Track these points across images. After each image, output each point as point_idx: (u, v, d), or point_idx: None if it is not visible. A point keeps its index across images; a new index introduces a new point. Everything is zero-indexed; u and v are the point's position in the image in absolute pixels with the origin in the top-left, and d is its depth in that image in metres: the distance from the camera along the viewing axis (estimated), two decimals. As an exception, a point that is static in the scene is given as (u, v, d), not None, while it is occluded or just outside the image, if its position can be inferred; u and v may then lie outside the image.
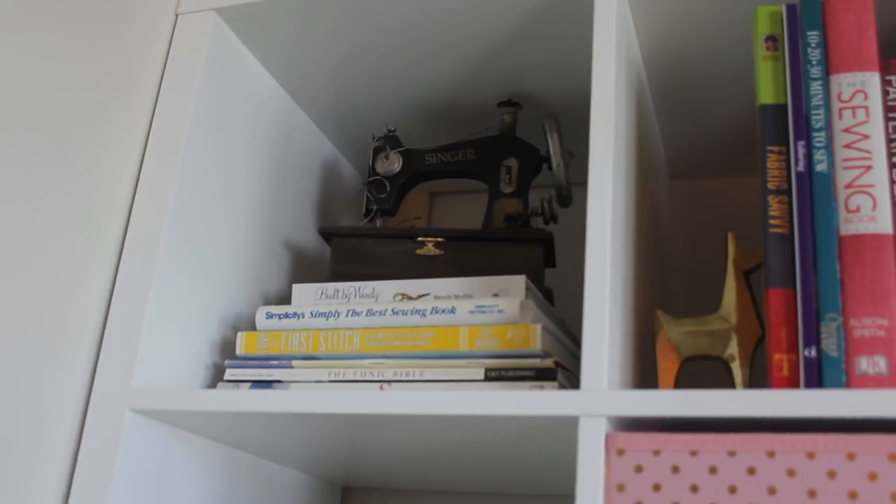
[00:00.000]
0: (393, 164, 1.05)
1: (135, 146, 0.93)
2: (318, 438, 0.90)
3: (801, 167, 0.73)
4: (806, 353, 0.68)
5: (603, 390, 0.70)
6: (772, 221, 0.73)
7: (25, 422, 0.79)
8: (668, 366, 0.82)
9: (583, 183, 1.23)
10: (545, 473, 0.98)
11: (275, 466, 1.07)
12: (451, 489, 1.17)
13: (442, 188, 1.32)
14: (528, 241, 0.95)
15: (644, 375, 0.89)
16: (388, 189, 1.05)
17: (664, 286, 1.08)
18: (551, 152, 0.98)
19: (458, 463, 0.97)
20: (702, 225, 1.21)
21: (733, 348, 0.81)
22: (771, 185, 0.74)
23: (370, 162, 1.06)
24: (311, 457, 1.02)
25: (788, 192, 0.73)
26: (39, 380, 0.81)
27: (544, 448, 0.84)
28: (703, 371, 1.01)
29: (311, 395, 0.77)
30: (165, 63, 0.97)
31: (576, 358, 0.92)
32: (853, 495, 0.62)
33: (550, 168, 0.99)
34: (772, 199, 0.74)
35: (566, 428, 0.74)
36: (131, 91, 0.93)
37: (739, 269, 0.84)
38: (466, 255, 0.96)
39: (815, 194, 0.72)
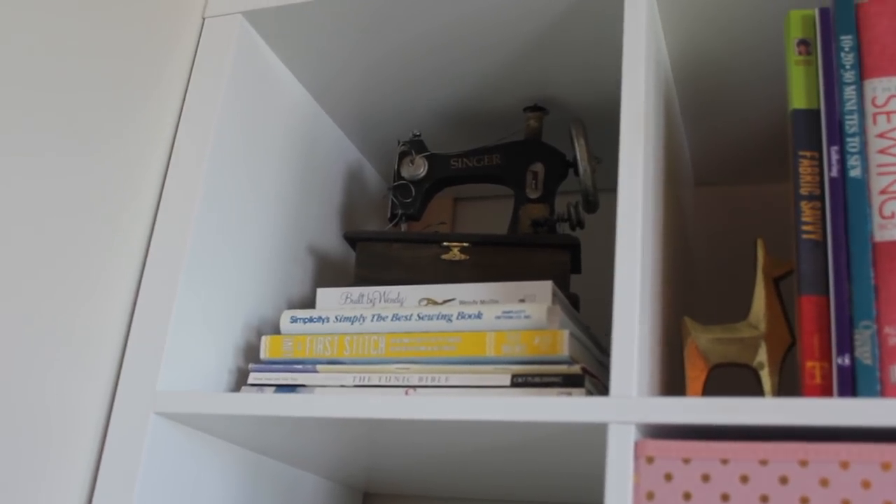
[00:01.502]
0: (418, 168, 1.04)
1: (161, 149, 0.93)
2: (341, 444, 0.90)
3: (834, 172, 0.72)
4: (839, 360, 0.67)
5: (633, 397, 0.69)
6: (804, 228, 0.72)
7: (50, 424, 0.79)
8: (696, 373, 0.81)
9: (610, 189, 1.22)
10: (571, 481, 0.97)
11: (297, 471, 1.06)
12: (475, 496, 1.16)
13: (466, 193, 1.31)
14: (554, 247, 0.94)
15: (671, 383, 0.88)
16: (414, 194, 1.04)
17: (691, 294, 1.07)
18: (578, 158, 0.97)
19: (483, 470, 0.96)
20: (728, 232, 1.20)
21: (762, 356, 0.80)
22: (803, 191, 0.73)
23: (395, 166, 1.06)
24: (333, 462, 1.01)
25: (821, 198, 0.72)
26: (64, 383, 0.80)
27: (571, 455, 0.83)
28: (731, 379, 0.99)
29: (336, 400, 0.77)
30: (192, 66, 0.97)
31: (601, 364, 0.91)
32: (888, 506, 0.61)
33: (577, 174, 0.98)
34: (804, 205, 0.73)
35: (594, 435, 0.74)
36: (158, 94, 0.93)
37: (769, 276, 0.82)
38: (492, 261, 0.95)
39: (848, 200, 0.71)
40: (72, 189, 0.82)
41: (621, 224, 0.75)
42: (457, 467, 0.96)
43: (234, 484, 0.94)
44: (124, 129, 0.88)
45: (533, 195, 1.00)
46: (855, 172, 0.71)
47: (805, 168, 0.73)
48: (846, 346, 0.68)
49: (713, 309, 1.16)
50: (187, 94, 0.95)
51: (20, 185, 0.76)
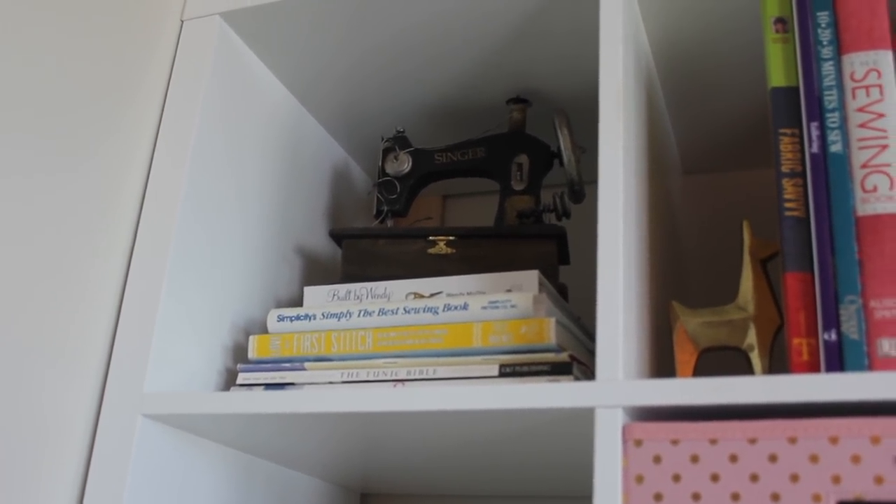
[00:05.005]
0: (403, 164, 1.04)
1: (143, 153, 0.92)
2: (333, 441, 0.89)
3: (815, 149, 0.71)
4: (826, 336, 0.67)
5: (619, 380, 0.68)
6: (787, 205, 0.71)
7: (37, 428, 0.78)
8: (685, 357, 0.81)
9: (595, 181, 1.22)
10: (564, 472, 0.96)
11: (291, 473, 1.05)
12: (470, 493, 1.15)
13: (454, 190, 1.31)
14: (540, 238, 0.94)
15: (662, 370, 0.88)
16: (399, 189, 1.04)
17: (680, 281, 1.06)
18: (562, 147, 0.97)
19: (476, 464, 0.95)
20: (717, 219, 1.19)
21: (752, 338, 0.79)
22: (785, 169, 0.72)
23: (380, 163, 1.05)
24: (327, 462, 1.01)
25: (803, 175, 0.72)
26: (51, 385, 0.80)
27: (562, 444, 0.83)
28: (722, 363, 0.99)
29: (325, 395, 0.76)
30: (172, 70, 0.97)
31: (592, 354, 0.91)
32: (879, 480, 0.61)
33: (562, 164, 0.98)
34: (786, 183, 0.72)
35: (583, 422, 0.73)
36: (138, 99, 0.92)
37: (755, 257, 0.82)
38: (479, 253, 0.94)
39: (830, 175, 0.70)
40: (54, 194, 0.81)
41: (603, 205, 0.74)
42: (451, 462, 0.96)
43: (226, 486, 0.93)
44: (105, 133, 0.88)
45: (518, 187, 1.00)
46: (836, 147, 0.71)
47: (786, 145, 0.73)
48: (832, 321, 0.67)
49: (706, 298, 1.15)
50: (168, 98, 0.95)
51: (2, 194, 0.76)
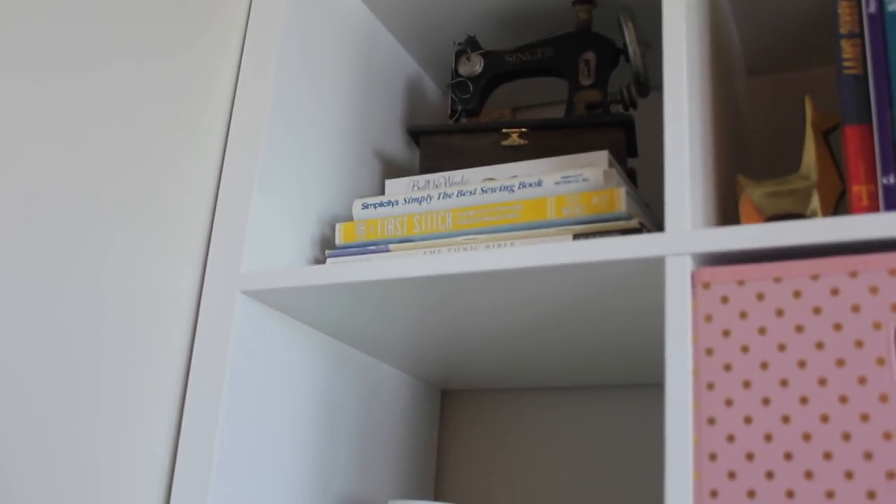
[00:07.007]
0: (475, 65, 1.09)
1: (230, 60, 0.99)
2: (416, 326, 0.95)
3: (872, 9, 0.74)
4: (884, 180, 0.70)
5: (686, 230, 0.73)
6: (845, 64, 0.75)
7: (148, 305, 0.85)
8: (751, 225, 0.84)
9: (659, 87, 1.25)
10: (636, 357, 1.00)
11: (377, 364, 1.12)
12: (544, 385, 1.20)
13: (522, 101, 1.35)
14: (609, 126, 0.98)
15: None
16: (472, 90, 1.08)
17: (745, 167, 1.09)
18: (627, 41, 1.00)
19: (550, 351, 1.00)
20: (780, 118, 1.21)
21: (815, 204, 0.83)
22: (843, 31, 0.76)
23: (453, 65, 1.10)
24: (411, 353, 1.07)
25: (861, 35, 0.75)
26: (158, 268, 0.87)
27: (635, 314, 0.87)
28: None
29: (411, 261, 0.82)
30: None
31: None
32: (936, 305, 0.64)
33: (627, 59, 1.02)
34: (844, 43, 0.75)
35: (654, 278, 0.77)
36: (224, 9, 0.98)
37: (818, 128, 0.85)
38: (550, 144, 0.99)
39: (887, 34, 0.74)
40: (153, 95, 0.88)
41: (668, 68, 0.78)
42: (525, 351, 1.01)
43: (316, 369, 0.99)
44: (195, 37, 0.94)
45: (586, 82, 1.04)
46: (893, 7, 0.74)
47: (844, 9, 0.76)
48: (890, 166, 0.71)
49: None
50: (252, 8, 1.01)
51: (108, 93, 0.83)
